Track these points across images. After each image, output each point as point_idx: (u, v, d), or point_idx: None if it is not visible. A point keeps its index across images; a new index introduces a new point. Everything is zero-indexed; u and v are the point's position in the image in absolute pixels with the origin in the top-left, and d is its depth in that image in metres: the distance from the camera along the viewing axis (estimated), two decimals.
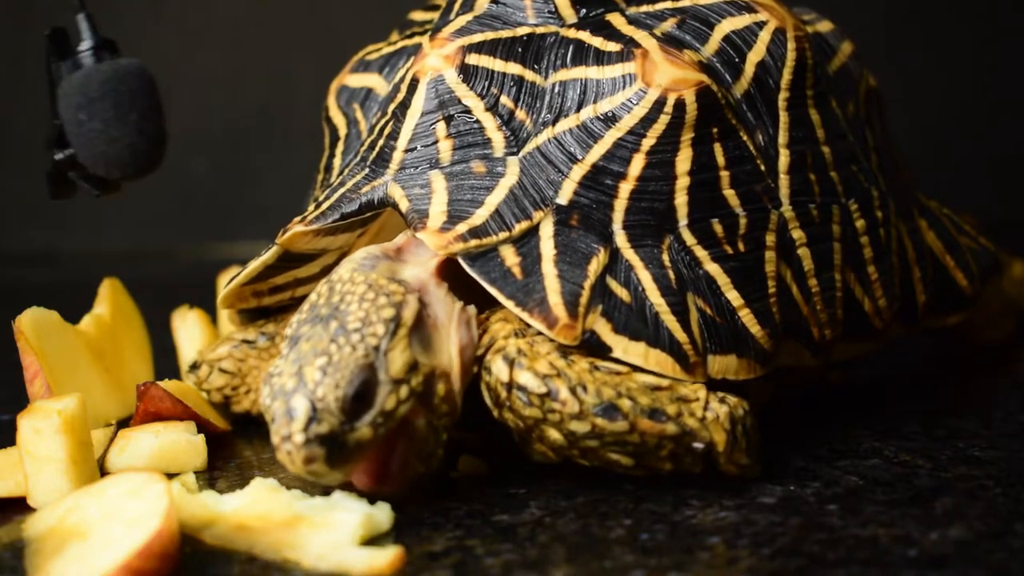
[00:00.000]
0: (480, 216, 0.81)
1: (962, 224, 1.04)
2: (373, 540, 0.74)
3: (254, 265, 0.89)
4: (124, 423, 0.95)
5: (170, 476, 0.82)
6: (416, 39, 0.94)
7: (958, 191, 1.23)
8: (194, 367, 0.97)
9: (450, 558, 0.72)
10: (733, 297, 0.82)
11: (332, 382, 0.74)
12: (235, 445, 0.94)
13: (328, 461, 0.74)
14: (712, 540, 0.73)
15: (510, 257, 0.80)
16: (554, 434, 0.78)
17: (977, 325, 1.09)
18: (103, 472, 0.86)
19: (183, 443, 0.88)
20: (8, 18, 1.93)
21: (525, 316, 0.78)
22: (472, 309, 0.82)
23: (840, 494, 0.80)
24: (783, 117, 0.87)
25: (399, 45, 0.95)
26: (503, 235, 0.81)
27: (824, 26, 0.97)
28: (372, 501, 0.76)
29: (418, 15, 0.99)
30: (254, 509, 0.75)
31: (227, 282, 0.93)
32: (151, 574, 0.68)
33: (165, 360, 1.07)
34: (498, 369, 0.78)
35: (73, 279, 1.50)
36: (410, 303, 0.78)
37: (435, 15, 0.95)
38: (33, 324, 0.92)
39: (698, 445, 0.78)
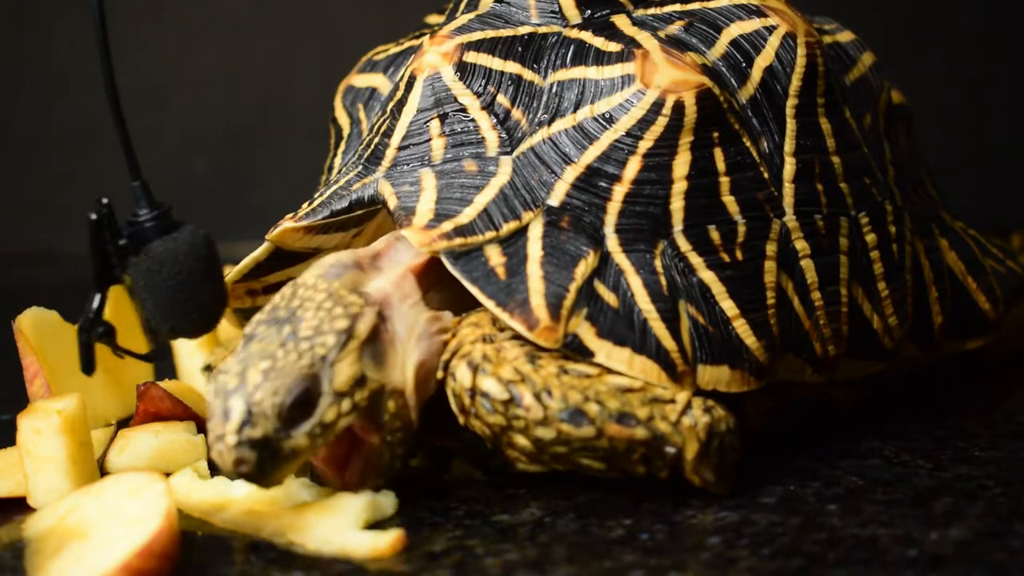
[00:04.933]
0: (467, 215, 0.80)
1: (988, 246, 1.01)
2: (377, 524, 0.76)
3: (245, 262, 0.90)
4: (124, 423, 0.95)
5: (170, 476, 0.82)
6: (421, 39, 0.94)
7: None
8: (208, 368, 0.98)
9: (450, 558, 0.72)
10: (728, 307, 0.81)
11: (271, 388, 0.73)
12: None
13: (259, 466, 0.73)
14: (712, 540, 0.73)
15: (495, 257, 0.79)
16: (522, 441, 0.77)
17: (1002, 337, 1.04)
18: (103, 472, 0.86)
19: (183, 443, 0.88)
20: (8, 18, 1.93)
21: (505, 317, 0.77)
22: (448, 315, 0.81)
23: (840, 494, 0.80)
24: (790, 124, 0.86)
25: (405, 45, 0.95)
26: (490, 235, 0.80)
27: (844, 36, 0.95)
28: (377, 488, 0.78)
29: (433, 18, 0.99)
30: (262, 495, 0.77)
31: None
32: (151, 574, 0.68)
33: (165, 360, 1.07)
34: (462, 375, 0.77)
35: (73, 279, 1.50)
36: (367, 316, 0.77)
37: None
38: (33, 324, 0.92)
39: (670, 449, 0.76)
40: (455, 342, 0.79)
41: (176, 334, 0.84)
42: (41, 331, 0.92)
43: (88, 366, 0.86)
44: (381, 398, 0.77)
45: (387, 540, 0.73)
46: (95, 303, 0.84)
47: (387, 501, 0.78)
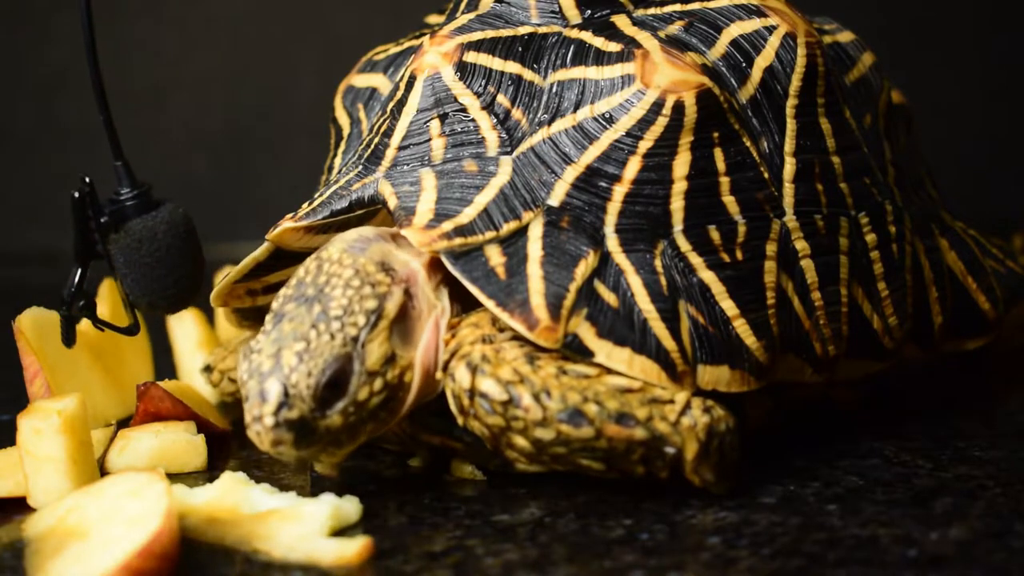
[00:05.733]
0: (467, 215, 0.80)
1: (989, 246, 1.01)
2: (342, 531, 0.75)
3: (245, 262, 0.89)
4: (124, 423, 0.95)
5: (170, 476, 0.82)
6: (421, 39, 0.94)
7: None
8: (207, 369, 0.99)
9: (450, 558, 0.72)
10: (728, 306, 0.81)
11: (306, 369, 0.75)
12: (235, 445, 0.94)
13: (296, 445, 0.75)
14: (712, 540, 0.74)
15: (495, 257, 0.79)
16: (521, 441, 0.77)
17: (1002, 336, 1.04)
18: (103, 472, 0.86)
19: (183, 443, 0.88)
20: (7, 18, 1.93)
21: (505, 317, 0.77)
22: (447, 310, 0.81)
23: (840, 494, 0.80)
24: (790, 124, 0.86)
25: (405, 45, 0.95)
26: (490, 235, 0.80)
27: (844, 36, 0.95)
28: (340, 494, 0.77)
29: (433, 18, 0.99)
30: (224, 502, 0.76)
31: (220, 280, 0.93)
32: (151, 574, 0.68)
33: (165, 360, 1.07)
34: (461, 376, 0.77)
35: None
36: (395, 295, 0.79)
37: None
38: (33, 324, 0.92)
39: (669, 450, 0.76)
40: (454, 342, 0.79)
41: (154, 308, 0.88)
42: (41, 331, 0.92)
43: (68, 339, 0.89)
44: (406, 372, 0.78)
45: (354, 548, 0.72)
46: (76, 278, 0.87)
47: (351, 508, 0.77)
